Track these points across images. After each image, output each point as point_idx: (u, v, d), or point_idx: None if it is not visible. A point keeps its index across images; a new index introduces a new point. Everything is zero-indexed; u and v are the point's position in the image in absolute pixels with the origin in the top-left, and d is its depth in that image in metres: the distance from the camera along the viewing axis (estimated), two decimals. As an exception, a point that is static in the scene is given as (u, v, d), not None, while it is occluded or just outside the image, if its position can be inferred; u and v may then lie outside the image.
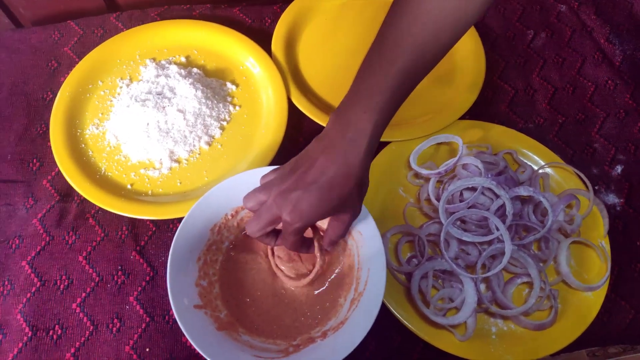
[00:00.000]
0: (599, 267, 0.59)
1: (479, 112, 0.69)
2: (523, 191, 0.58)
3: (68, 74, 0.67)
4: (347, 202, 0.44)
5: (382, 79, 0.45)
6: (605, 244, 0.60)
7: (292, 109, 0.66)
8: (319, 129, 0.66)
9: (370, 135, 0.44)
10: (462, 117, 0.67)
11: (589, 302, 0.56)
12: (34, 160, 0.63)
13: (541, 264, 0.58)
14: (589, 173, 0.65)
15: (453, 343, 0.53)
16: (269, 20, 0.76)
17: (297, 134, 0.67)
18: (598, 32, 0.77)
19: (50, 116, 0.63)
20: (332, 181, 0.43)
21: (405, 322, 0.53)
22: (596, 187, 0.65)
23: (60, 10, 0.74)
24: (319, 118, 0.65)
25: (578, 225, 0.60)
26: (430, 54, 0.47)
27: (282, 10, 0.74)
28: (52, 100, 0.66)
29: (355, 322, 0.49)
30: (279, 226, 0.46)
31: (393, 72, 0.45)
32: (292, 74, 0.70)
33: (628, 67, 0.74)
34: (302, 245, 0.49)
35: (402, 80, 0.45)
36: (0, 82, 0.68)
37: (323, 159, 0.44)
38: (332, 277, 0.54)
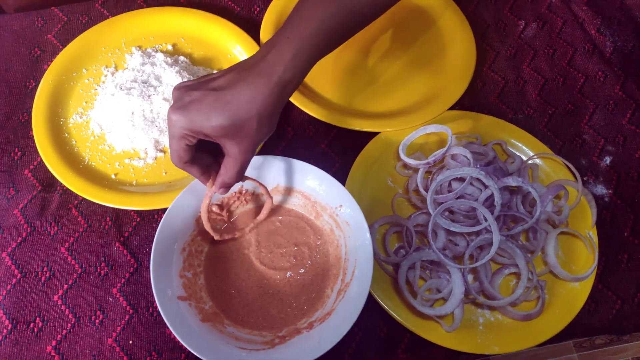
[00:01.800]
0: (586, 257, 0.59)
1: (468, 102, 0.69)
2: (512, 181, 0.58)
3: (51, 61, 0.65)
4: (240, 132, 0.42)
5: (312, 8, 0.46)
6: (593, 234, 0.60)
7: (280, 99, 0.65)
8: (307, 119, 0.65)
9: (286, 64, 0.43)
10: (452, 108, 0.67)
11: (576, 293, 0.56)
12: (16, 150, 0.61)
13: (529, 255, 0.57)
14: (577, 164, 0.65)
15: (440, 334, 0.53)
16: (258, 9, 0.75)
17: (285, 124, 0.66)
18: (589, 24, 0.77)
19: (32, 104, 0.62)
20: (233, 97, 0.41)
21: (392, 313, 0.53)
22: (585, 178, 0.65)
23: (43, -4, 0.73)
24: (308, 108, 0.64)
25: (566, 216, 0.60)
26: None
27: (271, -1, 0.73)
28: (34, 89, 0.64)
29: (342, 313, 0.48)
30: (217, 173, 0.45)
31: (324, 3, 0.46)
32: (280, 63, 0.69)
33: (618, 59, 0.74)
34: (190, 162, 0.45)
35: (332, 11, 0.46)
36: (-19, 69, 0.66)
37: (235, 73, 0.42)
38: (309, 263, 0.54)
